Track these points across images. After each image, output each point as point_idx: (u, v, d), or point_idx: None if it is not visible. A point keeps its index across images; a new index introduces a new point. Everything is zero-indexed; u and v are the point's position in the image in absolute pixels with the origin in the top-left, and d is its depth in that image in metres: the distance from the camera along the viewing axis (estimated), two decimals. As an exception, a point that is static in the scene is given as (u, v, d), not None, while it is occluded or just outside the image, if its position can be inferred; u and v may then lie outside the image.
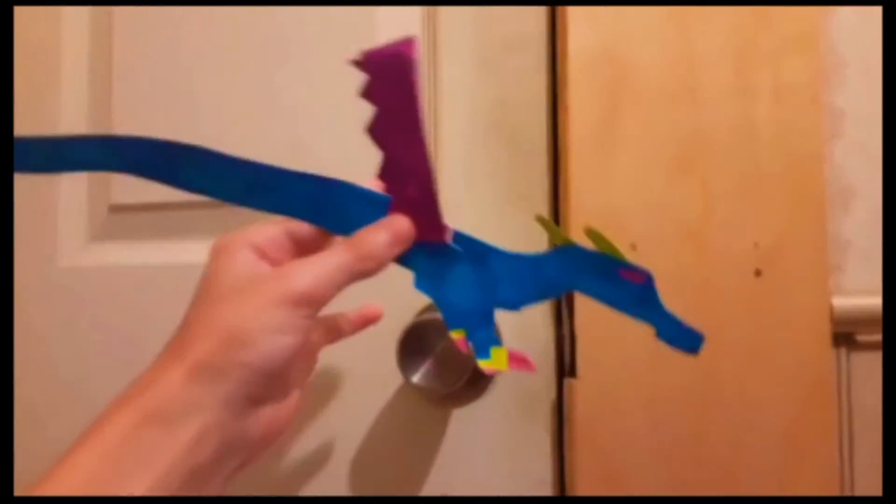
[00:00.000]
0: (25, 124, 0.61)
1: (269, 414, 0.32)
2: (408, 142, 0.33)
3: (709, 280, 0.46)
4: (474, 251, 0.36)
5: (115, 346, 0.58)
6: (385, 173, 0.34)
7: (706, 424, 0.46)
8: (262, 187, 0.35)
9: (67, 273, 0.60)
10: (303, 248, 0.35)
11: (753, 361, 0.45)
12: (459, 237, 0.36)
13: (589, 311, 0.47)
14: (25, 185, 0.61)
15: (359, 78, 0.33)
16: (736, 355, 0.45)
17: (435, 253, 0.35)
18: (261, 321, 0.31)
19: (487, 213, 0.53)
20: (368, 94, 0.33)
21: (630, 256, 0.47)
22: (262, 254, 0.33)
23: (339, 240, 0.35)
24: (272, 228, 0.34)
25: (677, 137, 0.47)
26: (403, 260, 0.35)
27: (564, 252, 0.35)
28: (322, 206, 0.34)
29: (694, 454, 0.46)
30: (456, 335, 0.36)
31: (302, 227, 0.34)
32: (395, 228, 0.34)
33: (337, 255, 0.33)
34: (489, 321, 0.36)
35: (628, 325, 0.48)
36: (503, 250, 0.36)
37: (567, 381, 0.48)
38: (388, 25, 0.55)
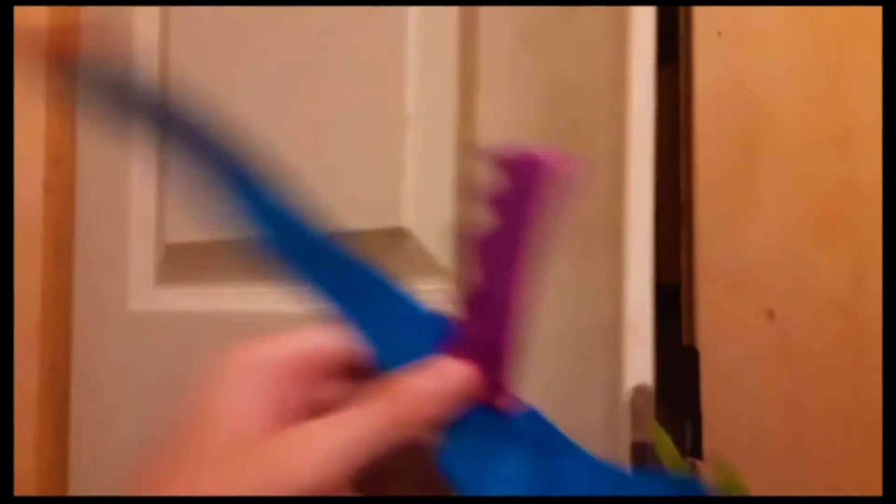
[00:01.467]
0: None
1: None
2: (509, 267, 0.24)
3: (861, 359, 0.40)
4: (541, 438, 0.25)
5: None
6: (467, 300, 0.25)
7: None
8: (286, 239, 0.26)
9: (136, 317, 0.57)
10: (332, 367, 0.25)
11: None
12: (529, 415, 0.26)
13: (717, 386, 0.42)
14: (97, 222, 0.58)
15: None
16: None
17: (483, 425, 0.25)
18: None
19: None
20: (494, 199, 0.24)
21: (767, 325, 0.42)
22: (278, 381, 0.24)
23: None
24: (298, 346, 0.25)
25: (823, 192, 0.41)
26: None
27: (670, 483, 0.26)
28: (358, 302, 0.26)
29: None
30: None
31: (328, 353, 0.25)
32: (451, 378, 0.24)
33: (365, 419, 0.23)
34: None
35: (764, 402, 0.42)
36: (581, 449, 0.25)
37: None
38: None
